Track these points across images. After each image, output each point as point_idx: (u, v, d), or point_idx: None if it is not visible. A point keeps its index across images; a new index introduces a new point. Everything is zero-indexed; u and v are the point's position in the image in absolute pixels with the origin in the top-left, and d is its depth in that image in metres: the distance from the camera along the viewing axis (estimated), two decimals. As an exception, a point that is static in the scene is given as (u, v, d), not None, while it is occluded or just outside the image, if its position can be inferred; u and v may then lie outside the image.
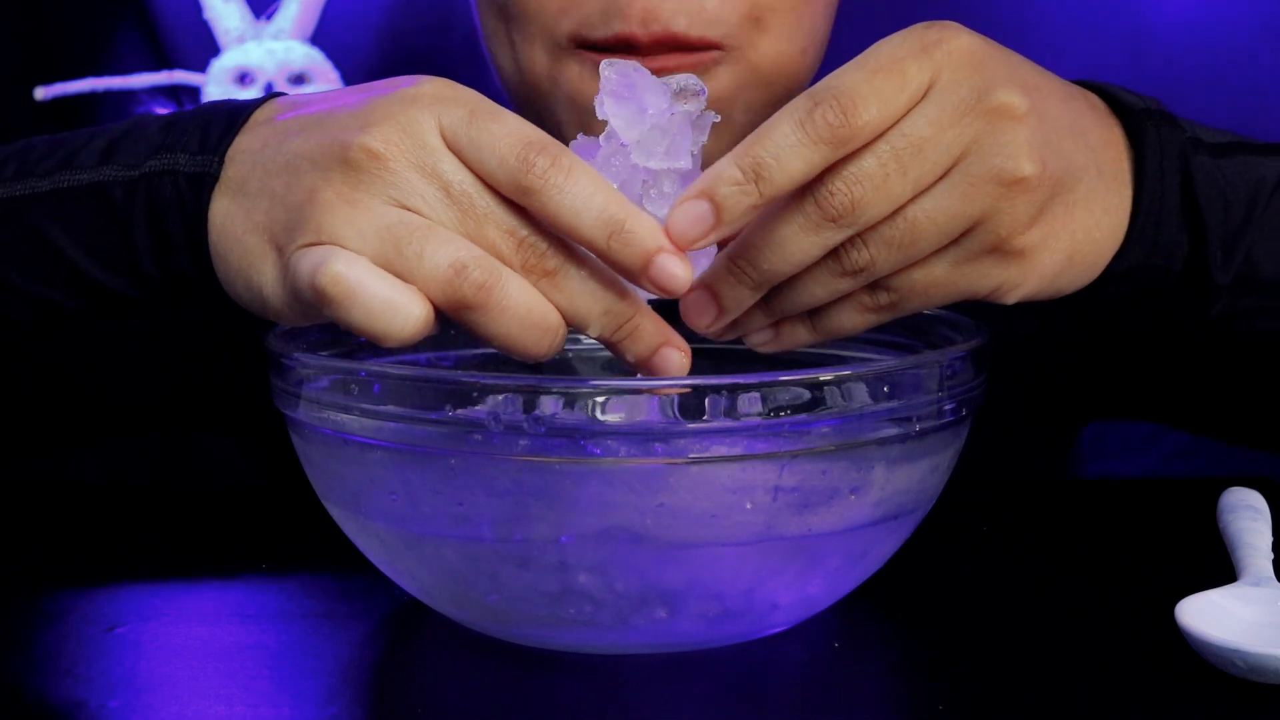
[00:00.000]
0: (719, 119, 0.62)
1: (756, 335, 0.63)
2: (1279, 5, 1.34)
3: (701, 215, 0.57)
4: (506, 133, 0.57)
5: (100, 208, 0.66)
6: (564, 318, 0.58)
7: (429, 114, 0.58)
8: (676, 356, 0.60)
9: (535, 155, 0.57)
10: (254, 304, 0.62)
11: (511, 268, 0.57)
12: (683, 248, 0.58)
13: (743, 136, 0.78)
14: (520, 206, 0.58)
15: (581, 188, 0.57)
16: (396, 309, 0.56)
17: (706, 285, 0.60)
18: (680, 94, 0.60)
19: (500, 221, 0.58)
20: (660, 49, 0.77)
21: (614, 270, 0.58)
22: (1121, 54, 1.34)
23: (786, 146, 0.56)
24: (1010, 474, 0.94)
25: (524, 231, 0.58)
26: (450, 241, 0.57)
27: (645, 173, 0.60)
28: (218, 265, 0.63)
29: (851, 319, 0.61)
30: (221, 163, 0.63)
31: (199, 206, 0.63)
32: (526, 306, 0.57)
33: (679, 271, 0.57)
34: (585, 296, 0.58)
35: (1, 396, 0.85)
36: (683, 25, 0.77)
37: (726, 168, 0.57)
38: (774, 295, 0.61)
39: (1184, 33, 1.34)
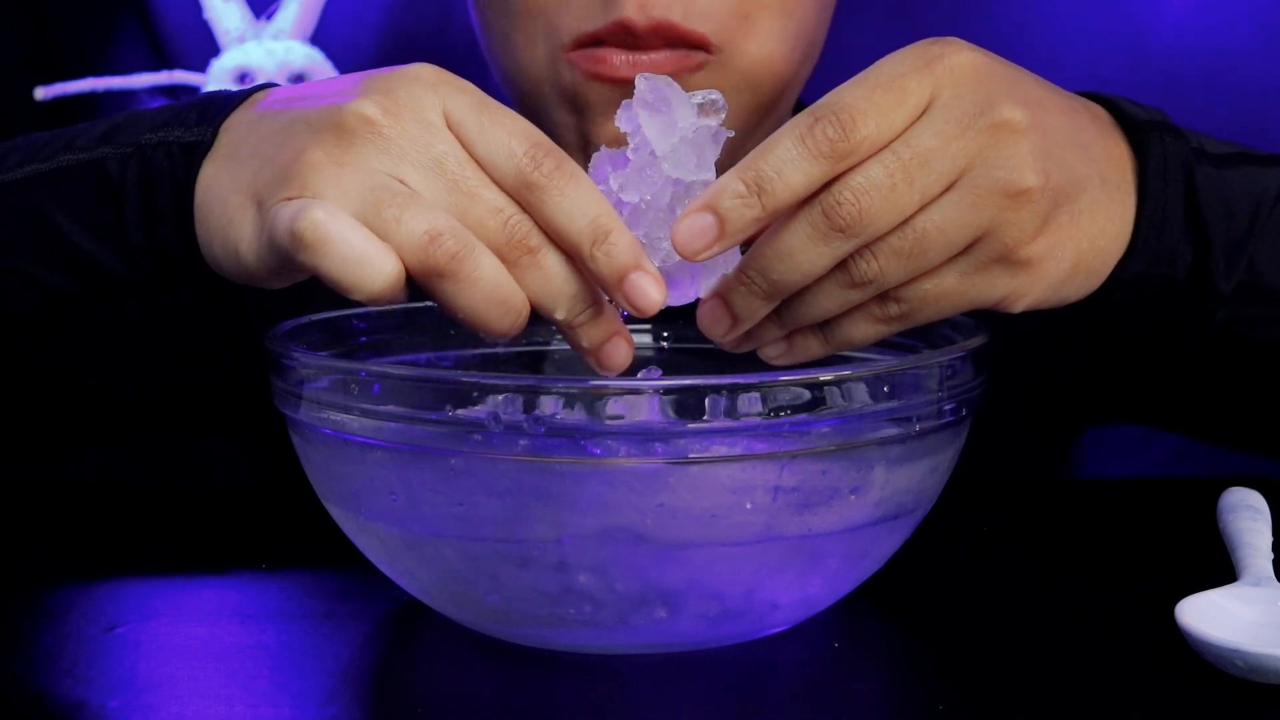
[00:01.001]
0: (733, 134, 0.63)
1: (770, 348, 0.63)
2: (1279, 6, 1.34)
3: (706, 227, 0.58)
4: (518, 128, 0.59)
5: (96, 182, 0.67)
6: (537, 298, 0.59)
7: (433, 93, 0.59)
8: (624, 347, 0.62)
9: (544, 155, 0.58)
10: (228, 261, 0.63)
11: (496, 244, 0.58)
12: (688, 258, 0.59)
13: (739, 121, 0.79)
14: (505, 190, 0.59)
15: (581, 195, 0.58)
16: (370, 262, 0.57)
17: (720, 295, 0.61)
18: (704, 108, 0.61)
19: (488, 200, 0.59)
20: (655, 38, 0.78)
21: (591, 280, 0.60)
22: (1121, 56, 1.34)
23: (787, 161, 0.58)
24: (1010, 474, 0.94)
25: (510, 210, 0.59)
26: (429, 210, 0.57)
27: (676, 184, 0.61)
28: (199, 229, 0.64)
29: (863, 330, 0.62)
30: (215, 134, 0.64)
31: (189, 174, 0.64)
32: (494, 282, 0.58)
33: (651, 290, 0.59)
34: (560, 278, 0.59)
35: (4, 399, 0.85)
36: (678, 15, 0.78)
37: (730, 182, 0.58)
38: (785, 307, 0.61)
39: (1184, 34, 1.34)
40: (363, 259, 0.56)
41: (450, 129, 0.59)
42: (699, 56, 0.79)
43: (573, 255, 0.59)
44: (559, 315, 0.60)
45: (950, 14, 1.30)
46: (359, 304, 0.60)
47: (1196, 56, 1.34)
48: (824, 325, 0.62)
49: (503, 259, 0.58)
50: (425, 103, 0.59)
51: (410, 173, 0.58)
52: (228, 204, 0.62)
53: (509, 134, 0.59)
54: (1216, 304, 0.69)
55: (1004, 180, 0.59)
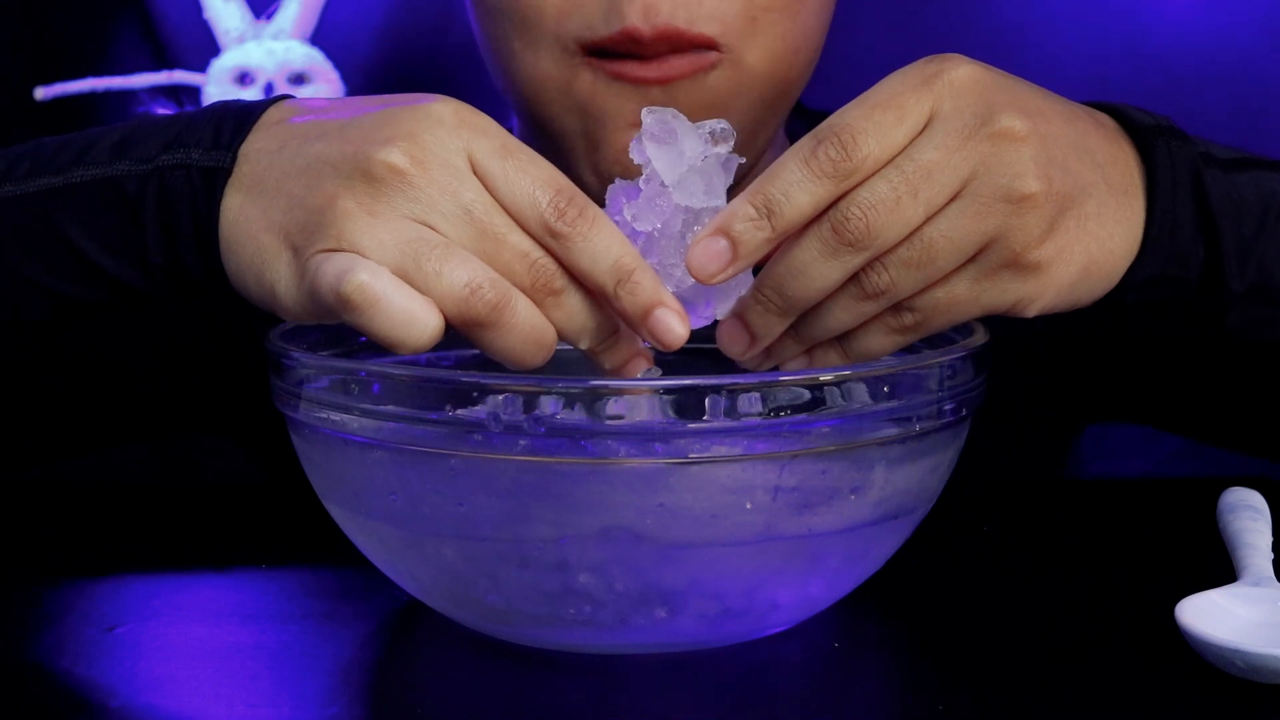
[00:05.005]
0: (744, 161, 0.65)
1: (791, 365, 0.64)
2: (1279, 5, 1.34)
3: (720, 251, 0.60)
4: (543, 177, 0.61)
5: (113, 200, 0.67)
6: (563, 332, 0.62)
7: (456, 137, 0.61)
8: (643, 364, 0.64)
9: (566, 204, 0.60)
10: (264, 299, 0.64)
11: (521, 286, 0.60)
12: (703, 281, 0.61)
13: (746, 131, 0.80)
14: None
15: (603, 238, 0.60)
16: (415, 320, 0.58)
17: (738, 315, 0.63)
18: (713, 138, 0.63)
19: (514, 244, 0.60)
20: (662, 46, 0.78)
21: (618, 316, 0.62)
22: (1121, 56, 1.34)
23: (793, 183, 0.60)
24: (1010, 474, 0.95)
25: (535, 254, 0.61)
26: (466, 261, 0.59)
27: (685, 211, 0.63)
28: (228, 259, 0.64)
29: (880, 341, 0.63)
30: (234, 159, 0.65)
31: (211, 200, 0.65)
32: (530, 325, 0.60)
33: (675, 325, 0.61)
34: (583, 314, 0.62)
35: (8, 403, 0.85)
36: (683, 20, 0.78)
37: (740, 206, 0.60)
38: (802, 323, 0.63)
39: (1184, 33, 1.34)
40: (408, 318, 0.58)
41: (475, 174, 0.60)
42: (711, 56, 0.80)
43: (598, 295, 0.61)
44: (583, 346, 0.63)
45: (951, 15, 1.30)
46: None
47: (1197, 56, 1.34)
48: (842, 338, 0.63)
49: (528, 298, 0.60)
50: (450, 148, 0.60)
51: (440, 220, 0.60)
52: (260, 243, 0.63)
53: (533, 182, 0.60)
54: (1229, 305, 0.69)
55: (1007, 187, 0.60)
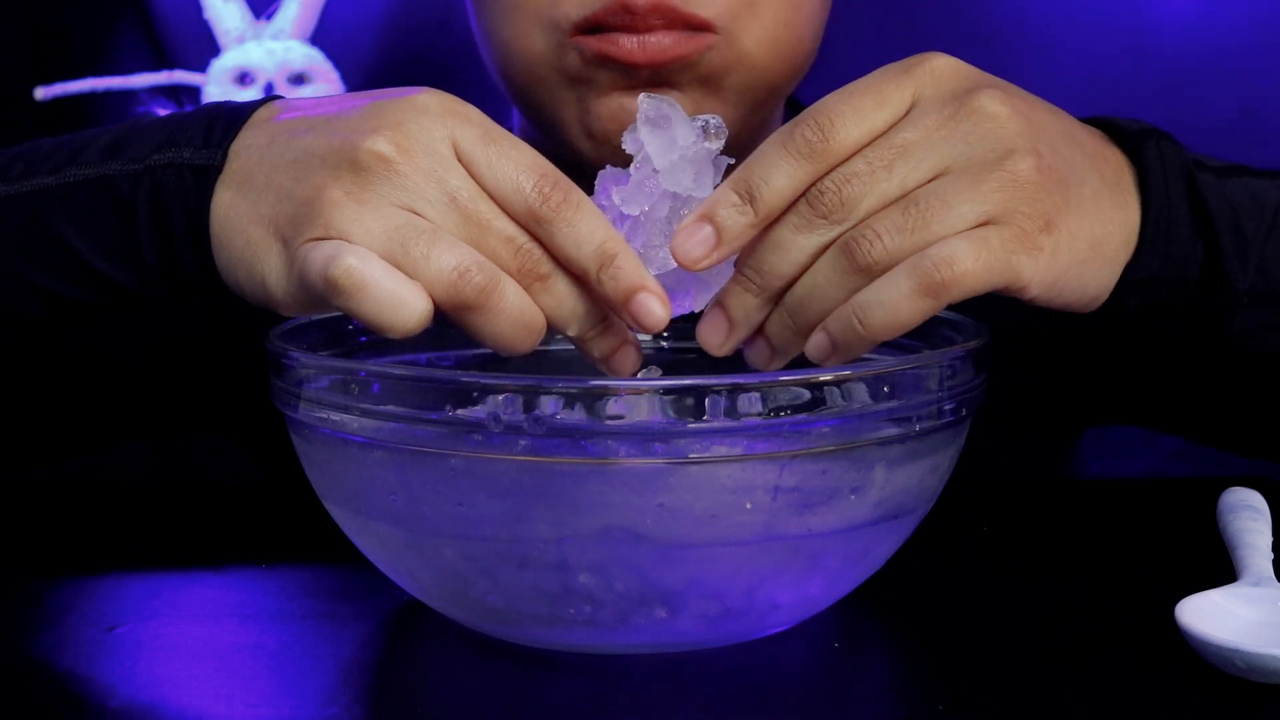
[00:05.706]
0: (733, 162, 0.65)
1: (810, 350, 0.62)
2: (1279, 5, 1.34)
3: (704, 237, 0.61)
4: (526, 162, 0.61)
5: (106, 200, 0.68)
6: (550, 318, 0.62)
7: (441, 125, 0.61)
8: (633, 353, 0.64)
9: (550, 188, 0.60)
10: (255, 293, 0.64)
11: (508, 271, 0.60)
12: (688, 267, 0.61)
13: (739, 115, 0.80)
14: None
15: (586, 222, 0.61)
16: (403, 303, 0.58)
17: (718, 302, 0.63)
18: (706, 131, 0.64)
19: (500, 230, 0.61)
20: (655, 18, 0.79)
21: (600, 301, 0.62)
22: (1122, 54, 1.34)
23: (772, 166, 0.60)
24: (1010, 474, 0.94)
25: (521, 239, 0.61)
26: (454, 246, 0.59)
27: (673, 198, 0.64)
28: (219, 255, 0.65)
29: (895, 306, 0.60)
30: (225, 157, 0.65)
31: (202, 197, 0.65)
32: (519, 309, 0.60)
33: (656, 308, 0.61)
34: (571, 300, 0.62)
35: (8, 403, 0.85)
36: None
37: (723, 193, 0.61)
38: (799, 310, 0.62)
39: (1184, 33, 1.34)
40: (396, 301, 0.58)
41: (460, 161, 0.61)
42: (706, 38, 0.80)
43: (581, 279, 0.61)
44: (571, 332, 0.63)
45: (950, 15, 1.30)
46: None
47: (1197, 56, 1.34)
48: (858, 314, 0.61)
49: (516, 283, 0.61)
50: (435, 135, 0.61)
51: (426, 207, 0.60)
52: (250, 236, 0.63)
53: (516, 168, 0.61)
54: (1233, 307, 0.69)
55: (998, 160, 0.60)
